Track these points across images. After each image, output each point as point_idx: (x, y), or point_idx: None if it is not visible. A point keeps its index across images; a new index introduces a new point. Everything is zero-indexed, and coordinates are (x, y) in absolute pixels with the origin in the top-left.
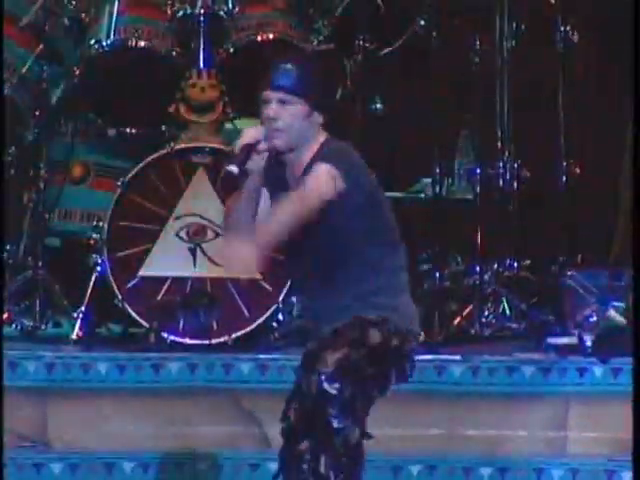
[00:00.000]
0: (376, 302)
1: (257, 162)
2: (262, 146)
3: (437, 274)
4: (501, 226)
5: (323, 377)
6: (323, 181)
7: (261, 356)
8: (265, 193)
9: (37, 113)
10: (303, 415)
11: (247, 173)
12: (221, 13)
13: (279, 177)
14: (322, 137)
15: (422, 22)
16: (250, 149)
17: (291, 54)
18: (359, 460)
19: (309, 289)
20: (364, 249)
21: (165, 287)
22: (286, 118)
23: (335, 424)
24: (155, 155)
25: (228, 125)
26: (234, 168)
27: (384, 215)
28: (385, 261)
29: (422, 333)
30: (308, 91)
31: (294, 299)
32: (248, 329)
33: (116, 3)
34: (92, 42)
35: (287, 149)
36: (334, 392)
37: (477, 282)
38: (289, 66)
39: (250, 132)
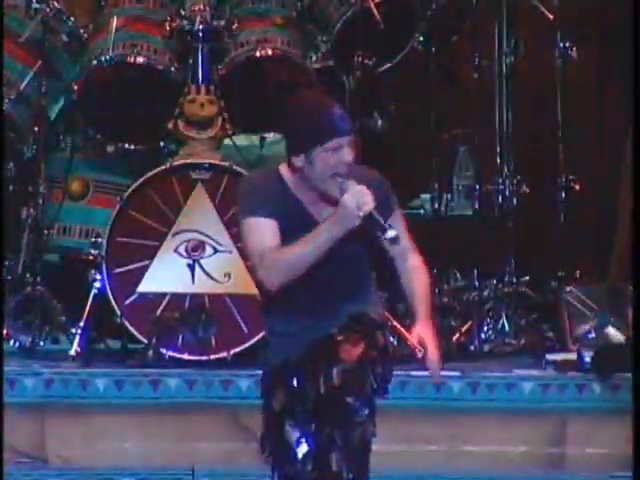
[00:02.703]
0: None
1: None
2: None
3: (436, 290)
4: (500, 242)
5: (348, 370)
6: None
7: (260, 372)
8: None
9: (36, 129)
10: (324, 406)
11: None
12: (220, 29)
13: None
14: None
15: (421, 38)
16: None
17: (292, 72)
18: (368, 459)
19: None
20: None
21: (164, 303)
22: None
23: (357, 418)
24: (154, 171)
25: (227, 141)
26: (394, 232)
27: None
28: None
29: (422, 350)
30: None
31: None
32: (247, 345)
33: (115, 19)
34: (91, 58)
35: None
36: (357, 388)
37: (476, 298)
38: (343, 111)
39: (369, 198)
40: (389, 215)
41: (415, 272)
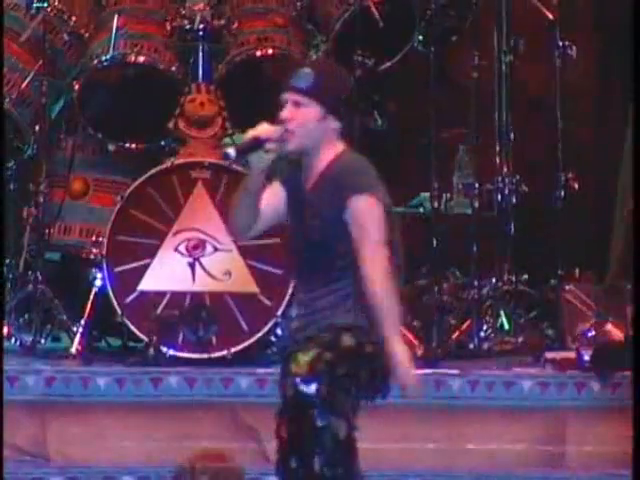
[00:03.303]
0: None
1: (261, 158)
2: (270, 145)
3: (435, 288)
4: (499, 241)
5: (298, 379)
6: (379, 216)
7: (260, 370)
8: (282, 195)
9: (37, 128)
10: (289, 422)
11: (249, 166)
12: (220, 28)
13: (295, 180)
14: (340, 146)
15: (420, 38)
16: (257, 142)
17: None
18: (351, 453)
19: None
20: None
21: (164, 301)
22: (299, 120)
23: (319, 422)
24: (154, 170)
25: (227, 140)
26: (232, 151)
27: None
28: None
29: (422, 348)
30: (322, 94)
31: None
32: (247, 343)
33: (115, 18)
34: (92, 57)
35: (299, 152)
36: (311, 392)
37: (475, 296)
38: (306, 69)
39: (264, 128)
40: (341, 200)
41: (366, 281)
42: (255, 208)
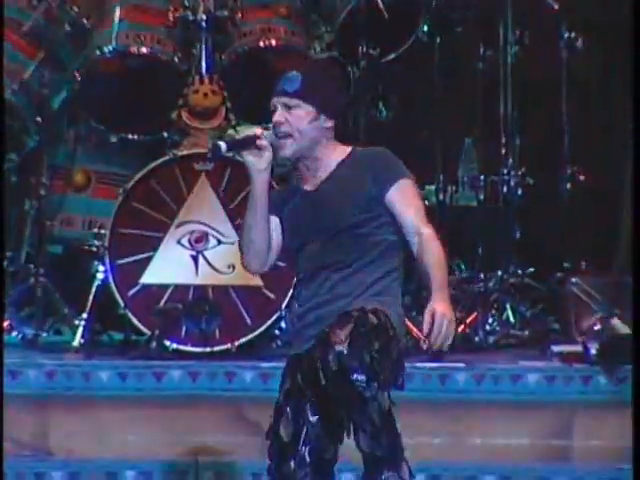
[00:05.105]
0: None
1: (255, 157)
2: (263, 142)
3: None
4: (505, 233)
5: (343, 350)
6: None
7: (264, 364)
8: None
9: (38, 120)
10: (330, 393)
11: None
12: (223, 19)
13: (289, 192)
14: (343, 146)
15: (425, 29)
16: (250, 140)
17: (296, 62)
18: (396, 428)
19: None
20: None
21: (167, 294)
22: (291, 122)
23: (367, 393)
24: (157, 162)
25: (230, 131)
26: (223, 144)
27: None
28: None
29: (427, 341)
30: (311, 94)
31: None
32: (251, 337)
33: (118, 9)
34: (94, 48)
35: (295, 155)
36: (356, 363)
37: (481, 289)
38: (293, 72)
39: (257, 129)
40: (383, 190)
41: (427, 242)
42: (262, 244)
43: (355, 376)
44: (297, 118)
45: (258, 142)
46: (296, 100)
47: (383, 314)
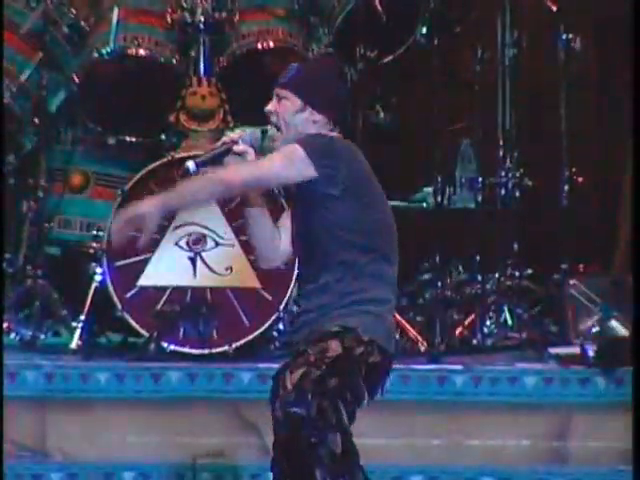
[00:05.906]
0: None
1: (237, 163)
2: (240, 147)
3: (439, 283)
4: (503, 235)
5: (287, 402)
6: (285, 155)
7: (261, 365)
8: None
9: (36, 121)
10: (283, 442)
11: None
12: (221, 21)
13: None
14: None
15: (423, 30)
16: (223, 152)
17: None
18: (352, 461)
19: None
20: (337, 248)
21: (165, 296)
22: (279, 112)
23: (313, 440)
24: (155, 164)
25: (227, 133)
26: (192, 165)
27: (371, 220)
28: (366, 268)
29: (425, 343)
30: (299, 86)
31: (294, 308)
32: (248, 338)
33: (116, 11)
34: (92, 50)
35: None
36: (301, 413)
37: (479, 291)
38: (292, 65)
39: (232, 135)
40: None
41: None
42: (263, 241)
43: (300, 430)
44: (284, 108)
45: (235, 148)
46: (285, 91)
47: (351, 334)
